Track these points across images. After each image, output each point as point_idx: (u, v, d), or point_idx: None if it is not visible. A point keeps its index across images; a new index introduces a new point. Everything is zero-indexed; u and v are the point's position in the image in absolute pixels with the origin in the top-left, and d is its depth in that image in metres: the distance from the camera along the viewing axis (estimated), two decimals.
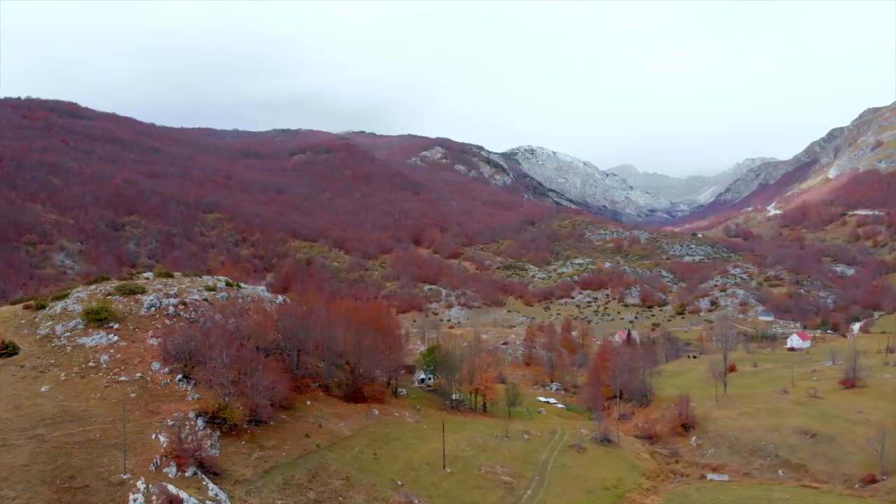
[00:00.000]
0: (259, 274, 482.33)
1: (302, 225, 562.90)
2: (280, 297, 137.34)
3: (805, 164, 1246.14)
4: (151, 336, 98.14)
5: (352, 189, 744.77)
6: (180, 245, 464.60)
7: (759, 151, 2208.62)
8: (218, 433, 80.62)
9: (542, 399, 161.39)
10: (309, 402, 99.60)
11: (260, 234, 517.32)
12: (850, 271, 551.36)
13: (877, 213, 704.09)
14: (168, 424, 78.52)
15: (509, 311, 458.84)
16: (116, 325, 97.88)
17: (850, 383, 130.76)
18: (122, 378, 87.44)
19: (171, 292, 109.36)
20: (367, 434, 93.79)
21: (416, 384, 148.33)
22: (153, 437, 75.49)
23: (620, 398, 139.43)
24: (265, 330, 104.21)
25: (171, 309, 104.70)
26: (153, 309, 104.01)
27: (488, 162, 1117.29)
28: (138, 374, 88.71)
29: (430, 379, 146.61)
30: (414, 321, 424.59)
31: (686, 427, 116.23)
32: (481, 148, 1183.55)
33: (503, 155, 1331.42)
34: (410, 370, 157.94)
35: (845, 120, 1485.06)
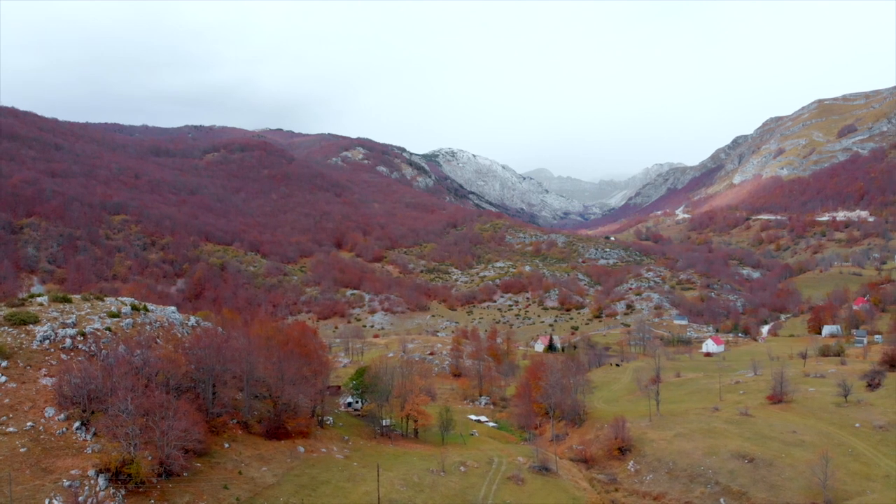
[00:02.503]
0: (169, 279, 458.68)
1: (215, 227, 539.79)
2: (192, 319, 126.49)
3: (711, 170, 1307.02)
4: (45, 375, 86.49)
5: (269, 190, 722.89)
6: (84, 249, 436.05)
7: (668, 157, 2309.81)
8: (123, 492, 70.82)
9: (474, 418, 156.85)
10: (227, 445, 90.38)
11: (170, 237, 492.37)
12: (756, 274, 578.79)
13: (779, 217, 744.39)
14: (64, 486, 68.27)
15: (433, 316, 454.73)
16: (4, 363, 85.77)
17: (777, 398, 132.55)
18: (10, 429, 75.85)
19: (69, 321, 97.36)
20: (293, 479, 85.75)
21: (342, 408, 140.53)
22: (46, 502, 65.35)
23: (554, 418, 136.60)
24: (176, 363, 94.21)
25: (69, 341, 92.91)
26: (47, 342, 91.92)
27: (410, 164, 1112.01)
28: (29, 424, 77.32)
29: (357, 402, 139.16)
30: (336, 328, 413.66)
31: (622, 450, 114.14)
32: (403, 149, 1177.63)
33: (424, 156, 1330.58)
34: (336, 390, 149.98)
35: (749, 128, 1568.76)
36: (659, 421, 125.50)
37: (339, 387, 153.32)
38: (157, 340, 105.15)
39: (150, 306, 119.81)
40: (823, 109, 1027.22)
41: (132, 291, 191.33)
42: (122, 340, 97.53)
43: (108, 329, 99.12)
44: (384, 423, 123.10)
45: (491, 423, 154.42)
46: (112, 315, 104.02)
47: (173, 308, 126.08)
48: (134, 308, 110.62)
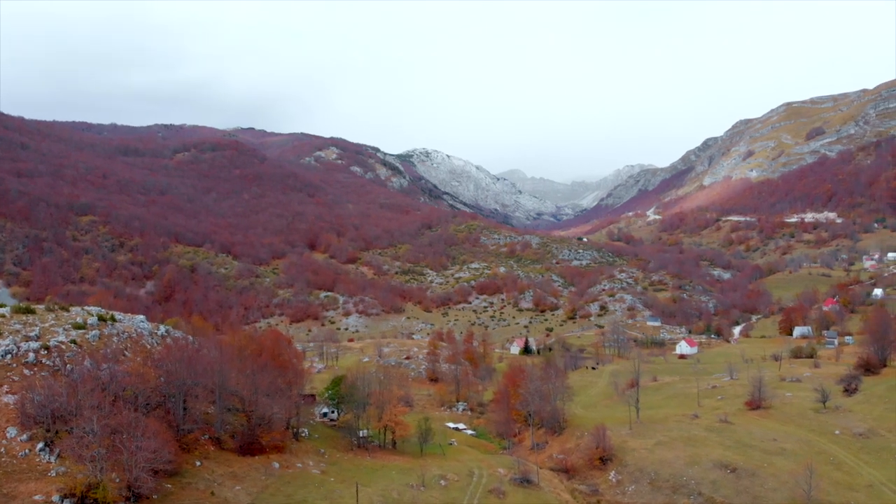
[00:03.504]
0: (138, 282, 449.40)
1: (186, 228, 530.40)
2: (162, 328, 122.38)
3: (681, 172, 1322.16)
4: (7, 392, 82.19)
5: (240, 190, 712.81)
6: (50, 251, 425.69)
7: (639, 159, 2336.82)
8: None
9: (452, 426, 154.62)
10: (199, 463, 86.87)
11: (139, 238, 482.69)
12: (727, 275, 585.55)
13: (748, 218, 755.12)
14: None
15: (408, 318, 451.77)
16: None
17: (755, 405, 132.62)
18: None
19: (32, 334, 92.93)
20: (268, 499, 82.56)
21: (318, 418, 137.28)
22: None
23: (533, 426, 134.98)
24: (145, 377, 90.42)
25: (32, 356, 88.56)
26: (9, 356, 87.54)
27: (384, 164, 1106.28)
28: None
29: (333, 412, 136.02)
30: (309, 331, 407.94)
31: (604, 460, 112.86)
32: (377, 149, 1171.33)
33: (399, 157, 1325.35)
34: (311, 399, 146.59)
35: (719, 130, 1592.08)
36: (639, 428, 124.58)
37: (313, 395, 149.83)
38: (125, 353, 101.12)
39: (118, 315, 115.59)
40: (792, 112, 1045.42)
41: (99, 299, 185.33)
42: (87, 354, 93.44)
43: (74, 342, 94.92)
44: (361, 435, 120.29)
45: (469, 431, 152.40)
46: (77, 327, 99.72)
47: (142, 317, 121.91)
48: (100, 318, 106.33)
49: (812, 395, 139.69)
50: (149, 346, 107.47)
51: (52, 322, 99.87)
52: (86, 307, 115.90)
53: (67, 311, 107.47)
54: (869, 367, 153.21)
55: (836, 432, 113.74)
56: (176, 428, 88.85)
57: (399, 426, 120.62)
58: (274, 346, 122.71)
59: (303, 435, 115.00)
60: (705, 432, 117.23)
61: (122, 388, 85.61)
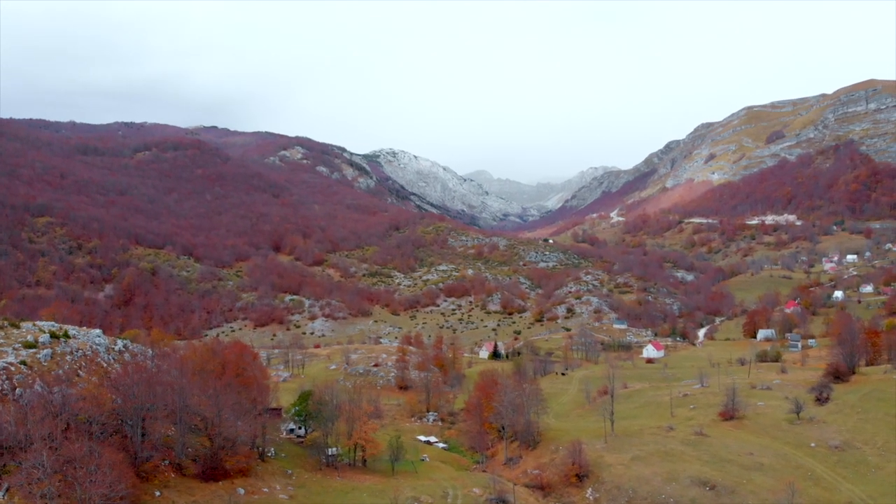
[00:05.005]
0: (97, 285, 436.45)
1: (146, 230, 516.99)
2: (119, 343, 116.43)
3: (644, 174, 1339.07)
4: None
5: (203, 190, 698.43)
6: (5, 253, 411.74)
7: (602, 161, 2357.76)
8: None
9: (423, 439, 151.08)
10: (158, 493, 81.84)
11: (98, 240, 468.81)
12: (690, 277, 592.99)
13: (710, 221, 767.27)
14: None
15: (376, 322, 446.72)
16: None
17: (729, 415, 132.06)
18: None
19: None
20: None
21: (284, 434, 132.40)
22: None
23: (507, 439, 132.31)
24: (100, 401, 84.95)
25: None
26: None
27: (351, 164, 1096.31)
28: None
29: (300, 429, 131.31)
30: (274, 336, 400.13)
31: (580, 476, 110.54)
32: (343, 149, 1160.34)
33: (365, 157, 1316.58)
34: (277, 413, 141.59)
35: (681, 133, 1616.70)
36: (614, 442, 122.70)
37: (279, 409, 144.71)
38: (80, 373, 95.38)
39: (73, 330, 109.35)
40: (752, 116, 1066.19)
41: (53, 311, 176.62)
42: (38, 376, 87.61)
43: (24, 363, 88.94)
44: (330, 453, 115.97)
45: (441, 445, 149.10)
46: (28, 346, 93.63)
47: (98, 332, 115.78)
48: (53, 336, 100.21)
49: (784, 403, 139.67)
50: (105, 365, 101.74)
51: (1, 341, 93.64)
52: (38, 322, 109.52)
53: (18, 327, 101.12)
54: (838, 375, 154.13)
55: (812, 445, 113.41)
56: (134, 455, 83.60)
57: (370, 444, 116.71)
58: (238, 361, 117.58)
59: (269, 455, 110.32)
60: (682, 446, 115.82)
61: (74, 413, 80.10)
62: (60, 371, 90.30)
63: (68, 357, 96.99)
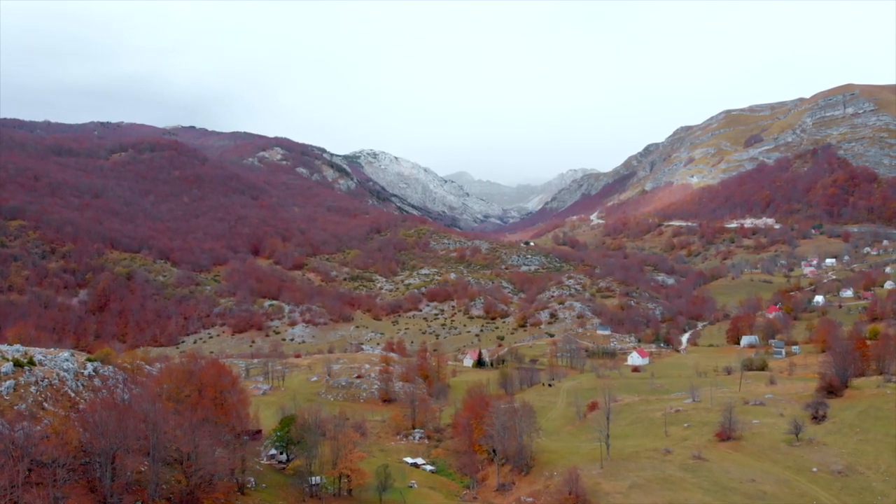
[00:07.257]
0: (70, 290, 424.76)
1: (122, 233, 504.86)
2: (89, 367, 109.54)
3: (624, 177, 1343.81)
4: None
5: (180, 192, 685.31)
6: None
7: (582, 163, 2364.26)
8: None
9: (409, 461, 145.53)
10: None
11: (72, 244, 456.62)
12: (671, 280, 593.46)
13: (689, 223, 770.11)
14: None
15: (357, 327, 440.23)
16: None
17: (726, 436, 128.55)
18: None
19: None
20: None
21: (265, 460, 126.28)
22: None
23: (498, 464, 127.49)
24: (66, 438, 78.63)
25: None
26: None
27: (331, 165, 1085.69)
28: None
29: (282, 454, 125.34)
30: (253, 343, 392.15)
31: None
32: (323, 150, 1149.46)
33: (346, 158, 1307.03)
34: (257, 435, 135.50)
35: (660, 136, 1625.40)
36: (611, 467, 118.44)
37: (259, 431, 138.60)
38: (45, 405, 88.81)
39: (39, 356, 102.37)
40: (731, 120, 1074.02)
41: (20, 332, 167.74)
42: (0, 412, 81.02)
43: None
44: (313, 482, 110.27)
45: (429, 467, 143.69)
46: None
47: (67, 354, 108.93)
48: (17, 364, 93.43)
49: (779, 421, 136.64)
50: (73, 395, 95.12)
51: None
52: (1, 347, 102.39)
53: None
54: (832, 390, 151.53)
55: (814, 469, 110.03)
56: (103, 499, 77.39)
57: (355, 473, 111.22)
58: (215, 384, 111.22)
59: (249, 486, 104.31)
60: (681, 472, 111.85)
61: (38, 456, 73.71)
62: (24, 405, 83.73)
63: (33, 388, 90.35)
